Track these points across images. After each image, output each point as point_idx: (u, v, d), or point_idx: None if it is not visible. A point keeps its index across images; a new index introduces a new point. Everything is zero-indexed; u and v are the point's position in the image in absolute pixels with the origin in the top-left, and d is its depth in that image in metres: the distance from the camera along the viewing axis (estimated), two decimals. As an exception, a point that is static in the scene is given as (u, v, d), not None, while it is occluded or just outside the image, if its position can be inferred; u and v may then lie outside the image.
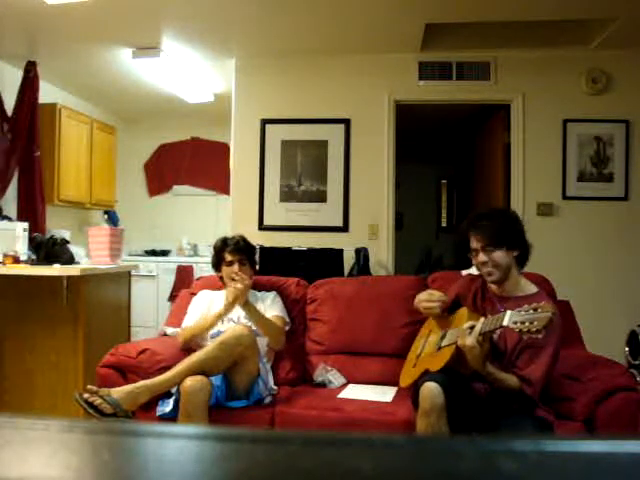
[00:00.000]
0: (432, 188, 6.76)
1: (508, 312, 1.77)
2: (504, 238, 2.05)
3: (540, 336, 1.70)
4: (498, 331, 1.96)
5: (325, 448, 0.34)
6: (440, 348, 2.09)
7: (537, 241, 3.68)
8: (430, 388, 1.87)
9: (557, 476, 0.31)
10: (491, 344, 1.93)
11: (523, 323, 1.71)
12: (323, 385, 2.57)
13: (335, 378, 2.59)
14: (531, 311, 1.72)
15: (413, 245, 6.10)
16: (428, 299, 2.23)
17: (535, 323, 1.68)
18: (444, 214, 6.77)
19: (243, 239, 2.71)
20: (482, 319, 1.89)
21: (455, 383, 1.93)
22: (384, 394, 2.41)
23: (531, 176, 3.95)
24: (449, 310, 2.27)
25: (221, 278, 2.66)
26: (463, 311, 2.11)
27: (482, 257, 2.05)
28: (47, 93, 4.46)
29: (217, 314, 2.49)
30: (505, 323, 1.76)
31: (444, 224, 6.74)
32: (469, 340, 1.83)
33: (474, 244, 2.07)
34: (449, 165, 6.62)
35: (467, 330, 1.87)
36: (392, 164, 4.06)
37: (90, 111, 5.18)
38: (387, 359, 2.66)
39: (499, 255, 2.03)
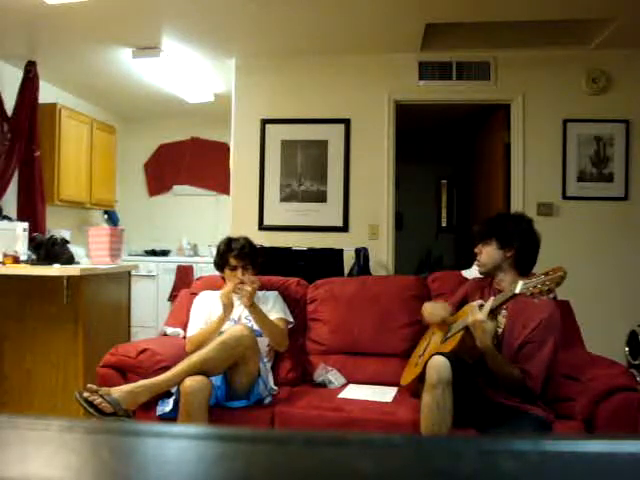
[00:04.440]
0: (432, 188, 6.75)
1: (520, 282, 1.85)
2: (494, 232, 2.14)
3: (552, 295, 1.79)
4: (503, 312, 2.05)
5: (325, 448, 0.34)
6: (447, 339, 2.11)
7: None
8: (439, 361, 1.88)
9: (557, 476, 0.31)
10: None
11: (535, 287, 1.79)
12: (323, 385, 2.57)
13: (335, 378, 2.59)
14: (542, 276, 1.80)
15: (413, 245, 6.10)
16: (432, 310, 2.32)
17: (547, 283, 1.76)
18: (444, 214, 6.75)
19: (249, 243, 2.65)
20: (492, 298, 1.96)
21: (460, 370, 1.93)
22: (384, 394, 2.41)
23: (531, 176, 3.94)
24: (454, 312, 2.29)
25: (223, 278, 2.66)
26: (469, 305, 2.13)
27: (476, 248, 2.21)
28: (47, 93, 4.46)
29: (219, 318, 2.49)
30: (517, 291, 1.83)
31: (444, 224, 6.73)
32: (480, 315, 1.89)
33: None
34: (449, 165, 6.61)
35: (477, 307, 1.94)
36: (392, 164, 4.06)
37: (90, 111, 5.18)
38: (387, 359, 2.67)
39: (488, 251, 2.15)
